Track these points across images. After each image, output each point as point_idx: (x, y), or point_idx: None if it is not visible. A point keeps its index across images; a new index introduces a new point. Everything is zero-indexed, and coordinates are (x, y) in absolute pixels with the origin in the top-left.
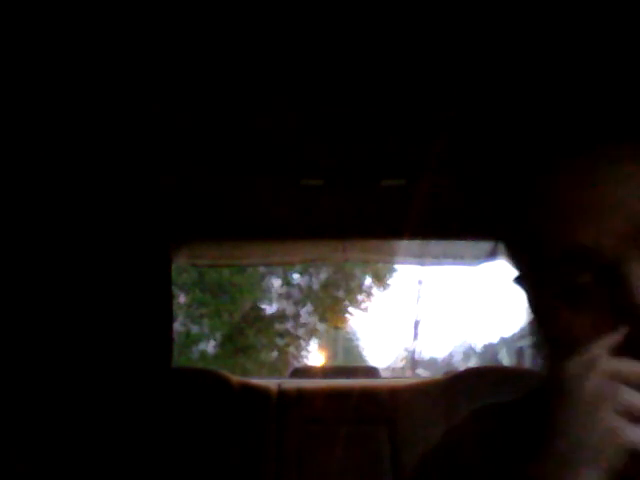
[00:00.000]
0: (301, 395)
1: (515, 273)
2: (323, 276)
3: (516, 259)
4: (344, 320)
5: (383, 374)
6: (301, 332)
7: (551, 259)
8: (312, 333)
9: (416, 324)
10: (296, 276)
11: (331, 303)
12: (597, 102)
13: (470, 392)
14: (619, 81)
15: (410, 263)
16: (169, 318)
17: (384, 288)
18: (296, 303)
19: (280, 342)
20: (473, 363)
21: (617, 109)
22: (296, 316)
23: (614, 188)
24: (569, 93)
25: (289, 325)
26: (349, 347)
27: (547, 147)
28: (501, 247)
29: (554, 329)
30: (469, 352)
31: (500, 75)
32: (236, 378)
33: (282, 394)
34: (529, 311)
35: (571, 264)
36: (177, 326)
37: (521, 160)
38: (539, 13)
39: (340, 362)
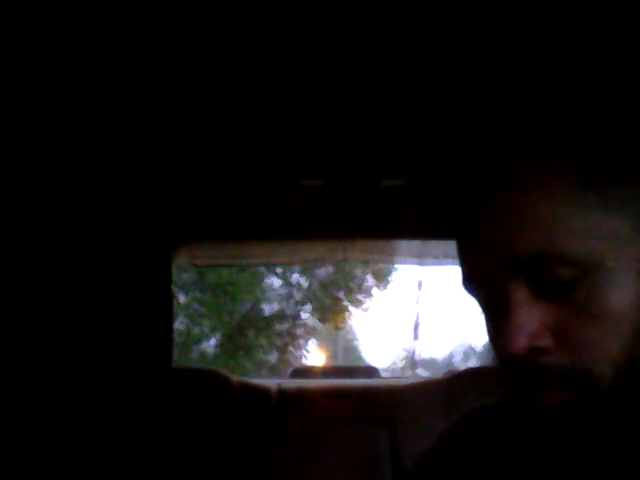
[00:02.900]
0: (301, 395)
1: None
2: (323, 276)
3: None
4: (344, 320)
5: (383, 374)
6: (301, 332)
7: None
8: (312, 333)
9: (416, 324)
10: (296, 276)
11: (331, 303)
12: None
13: (470, 392)
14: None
15: (410, 263)
16: (169, 318)
17: (384, 288)
18: (296, 303)
19: (280, 342)
20: (473, 363)
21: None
22: (296, 316)
23: (496, 218)
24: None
25: (289, 325)
26: (349, 347)
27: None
28: None
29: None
30: (469, 352)
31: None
32: (236, 378)
33: (282, 394)
34: None
35: (470, 282)
36: (177, 326)
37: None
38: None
39: (340, 362)
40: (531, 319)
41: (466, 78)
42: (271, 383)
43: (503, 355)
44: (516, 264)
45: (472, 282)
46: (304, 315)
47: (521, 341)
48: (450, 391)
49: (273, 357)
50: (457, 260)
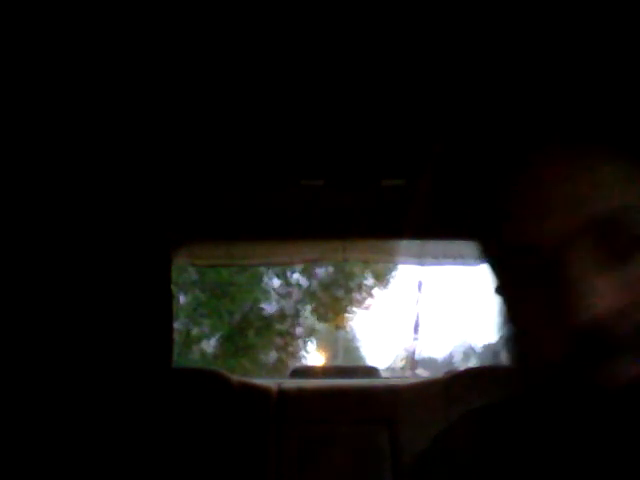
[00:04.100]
0: (301, 395)
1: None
2: (323, 276)
3: (488, 259)
4: (344, 320)
5: (383, 374)
6: (301, 332)
7: (503, 255)
8: (312, 333)
9: (416, 324)
10: (296, 276)
11: (331, 303)
12: (552, 103)
13: (470, 392)
14: (576, 84)
15: (410, 263)
16: (169, 318)
17: (384, 288)
18: (296, 303)
19: (280, 342)
20: (473, 363)
21: (571, 109)
22: (296, 316)
23: (560, 186)
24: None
25: (289, 325)
26: (349, 347)
27: (510, 146)
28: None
29: (517, 323)
30: (469, 352)
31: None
32: (236, 378)
33: (282, 394)
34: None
35: (518, 260)
36: (177, 326)
37: (487, 159)
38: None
39: (340, 362)
40: (605, 283)
41: (472, 75)
42: (271, 383)
43: (565, 328)
44: (588, 225)
45: (523, 252)
46: (304, 315)
47: (598, 305)
48: (450, 391)
49: (273, 357)
50: (458, 260)
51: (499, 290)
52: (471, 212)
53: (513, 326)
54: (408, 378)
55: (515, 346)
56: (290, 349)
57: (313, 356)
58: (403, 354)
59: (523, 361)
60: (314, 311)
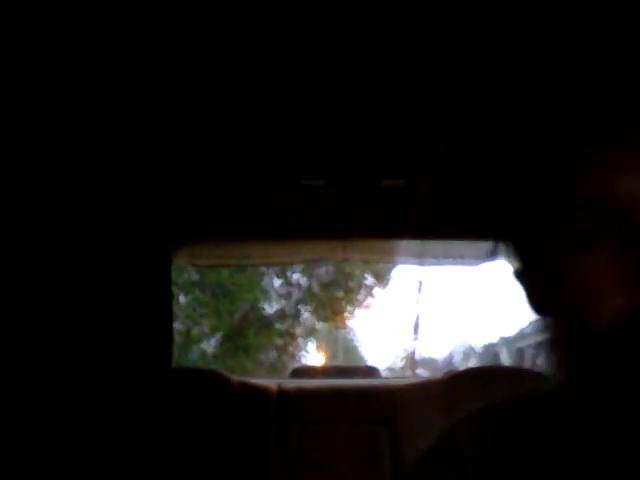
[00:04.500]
0: (301, 395)
1: (515, 268)
2: (323, 276)
3: (526, 233)
4: (344, 320)
5: (383, 374)
6: (301, 332)
7: (569, 210)
8: (312, 333)
9: (416, 324)
10: (296, 276)
11: (331, 303)
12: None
13: (470, 392)
14: None
15: (410, 263)
16: (169, 318)
17: (384, 287)
18: (296, 303)
19: (280, 342)
20: (473, 363)
21: None
22: (296, 316)
23: (635, 154)
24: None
25: (289, 325)
26: (349, 347)
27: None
28: (503, 240)
29: (572, 285)
30: (469, 352)
31: (511, 73)
32: (236, 378)
33: (282, 394)
34: (532, 300)
35: (590, 211)
36: (177, 326)
37: (554, 136)
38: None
39: (340, 362)
40: None
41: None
42: (271, 383)
43: None
44: None
45: (597, 205)
46: (304, 315)
47: None
48: (450, 391)
49: (273, 357)
50: (458, 260)
51: (523, 273)
52: (521, 190)
53: (560, 299)
54: (408, 378)
55: (561, 320)
56: (290, 349)
57: (313, 356)
58: (403, 354)
59: (570, 336)
60: (314, 311)
